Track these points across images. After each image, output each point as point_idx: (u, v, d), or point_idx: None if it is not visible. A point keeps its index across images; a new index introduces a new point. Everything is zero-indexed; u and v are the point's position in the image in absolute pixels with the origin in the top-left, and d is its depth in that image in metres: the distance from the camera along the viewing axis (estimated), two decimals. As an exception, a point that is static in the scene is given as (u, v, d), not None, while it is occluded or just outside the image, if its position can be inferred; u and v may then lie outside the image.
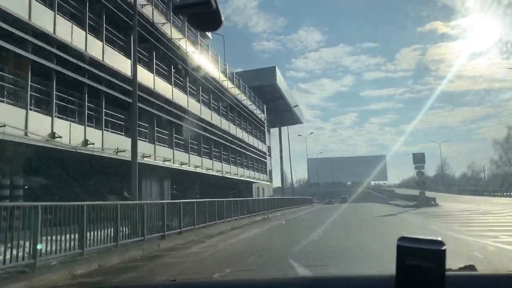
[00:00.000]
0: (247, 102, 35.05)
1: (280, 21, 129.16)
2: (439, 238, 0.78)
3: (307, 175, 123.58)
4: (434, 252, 0.75)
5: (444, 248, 0.76)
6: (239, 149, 32.09)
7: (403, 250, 0.76)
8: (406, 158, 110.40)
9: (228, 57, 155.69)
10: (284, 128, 62.51)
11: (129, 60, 15.87)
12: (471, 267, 1.31)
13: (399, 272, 0.76)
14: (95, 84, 14.74)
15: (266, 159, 43.27)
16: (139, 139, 14.33)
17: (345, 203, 59.42)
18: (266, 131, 43.92)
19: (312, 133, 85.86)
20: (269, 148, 47.54)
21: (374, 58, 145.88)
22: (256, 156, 37.85)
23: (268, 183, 43.17)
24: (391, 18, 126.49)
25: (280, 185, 61.96)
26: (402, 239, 0.77)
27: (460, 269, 1.28)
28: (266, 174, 42.98)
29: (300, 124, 71.66)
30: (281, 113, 54.66)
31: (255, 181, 37.44)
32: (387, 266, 2.50)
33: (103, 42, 15.45)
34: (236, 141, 31.08)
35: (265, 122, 43.25)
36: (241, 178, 32.94)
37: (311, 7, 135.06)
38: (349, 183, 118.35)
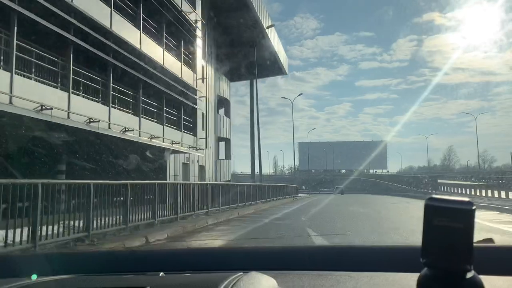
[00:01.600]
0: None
1: (275, 6, 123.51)
2: (468, 199, 0.74)
3: (297, 160, 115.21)
4: (463, 212, 0.72)
5: (473, 208, 0.72)
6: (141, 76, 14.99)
7: (431, 209, 0.73)
8: (400, 149, 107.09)
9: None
10: (270, 81, 49.63)
11: None
12: (490, 240, 1.32)
13: (426, 233, 0.74)
14: None
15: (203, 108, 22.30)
16: None
17: (341, 194, 52.73)
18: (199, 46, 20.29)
19: (301, 94, 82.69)
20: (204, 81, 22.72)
21: (370, 47, 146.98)
22: (179, 98, 18.24)
23: (200, 152, 21.20)
24: (388, 8, 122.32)
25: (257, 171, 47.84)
26: (431, 199, 0.74)
27: (479, 242, 1.22)
28: (204, 137, 22.10)
29: (284, 77, 64.39)
30: (248, 51, 29.64)
31: (173, 147, 17.72)
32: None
33: None
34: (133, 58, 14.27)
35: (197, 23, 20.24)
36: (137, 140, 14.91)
37: None
38: (343, 171, 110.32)
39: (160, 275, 1.11)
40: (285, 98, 58.52)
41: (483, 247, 1.17)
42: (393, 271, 1.08)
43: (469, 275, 0.73)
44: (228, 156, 29.78)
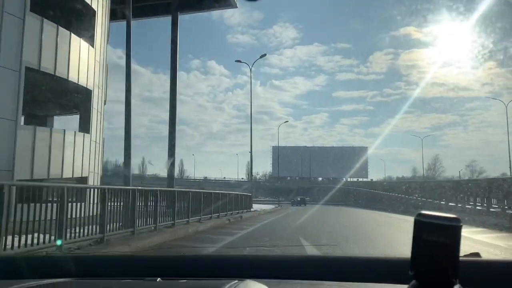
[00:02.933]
0: None
1: (255, 14, 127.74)
2: (455, 216, 0.79)
3: (269, 166, 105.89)
4: (450, 228, 0.76)
5: (460, 224, 0.77)
6: None
7: (420, 225, 0.77)
8: (375, 160, 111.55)
9: (200, 47, 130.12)
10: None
11: None
12: (476, 254, 1.34)
13: (415, 247, 0.78)
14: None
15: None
16: None
17: (303, 205, 48.68)
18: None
19: (264, 55, 48.00)
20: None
21: (348, 59, 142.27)
22: None
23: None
24: (366, 20, 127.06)
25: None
26: (420, 214, 0.78)
27: (465, 256, 1.27)
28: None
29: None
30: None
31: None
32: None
33: None
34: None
35: None
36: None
37: (287, 3, 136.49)
38: (320, 179, 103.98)
39: (158, 280, 1.15)
40: (240, 61, 46.79)
41: (470, 261, 1.21)
42: (383, 282, 1.10)
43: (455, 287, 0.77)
44: (85, 128, 14.62)
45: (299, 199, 56.91)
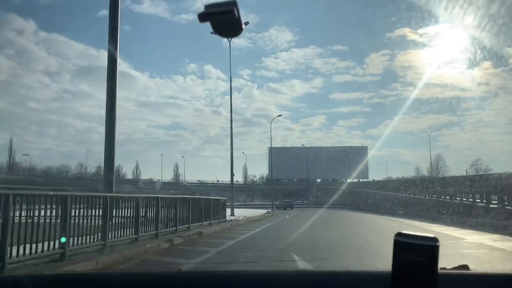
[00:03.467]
0: None
1: (251, 17, 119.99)
2: (433, 236, 0.82)
3: (265, 169, 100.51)
4: (428, 248, 0.80)
5: (437, 244, 0.81)
6: None
7: (400, 244, 0.81)
8: (374, 162, 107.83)
9: (197, 52, 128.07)
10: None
11: None
12: (464, 267, 1.36)
13: (395, 265, 0.81)
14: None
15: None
16: None
17: (290, 208, 50.13)
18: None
19: (247, 23, 51.07)
20: None
21: (344, 61, 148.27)
22: None
23: None
24: (362, 22, 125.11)
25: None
26: (399, 234, 0.82)
27: (454, 268, 1.31)
28: None
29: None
30: None
31: None
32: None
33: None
34: None
35: None
36: None
37: (282, 6, 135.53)
38: (319, 180, 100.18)
39: None
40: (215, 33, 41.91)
41: (457, 274, 1.24)
42: None
43: None
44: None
45: (286, 201, 57.44)
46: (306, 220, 21.76)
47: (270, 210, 37.82)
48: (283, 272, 1.68)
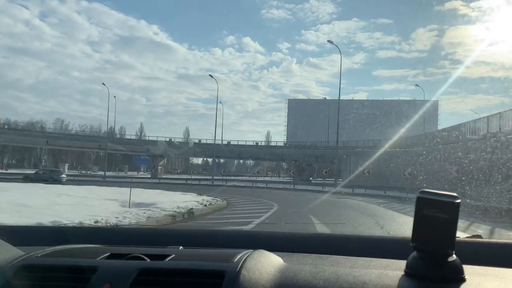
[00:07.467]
0: None
1: None
2: (455, 194, 0.84)
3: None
4: (449, 204, 0.82)
5: (458, 201, 0.82)
6: None
7: (422, 201, 0.83)
8: None
9: (235, 23, 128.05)
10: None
11: None
12: (478, 236, 1.41)
13: (416, 222, 0.84)
14: None
15: None
16: None
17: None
18: None
19: None
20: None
21: (389, 36, 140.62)
22: None
23: None
24: None
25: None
26: (422, 192, 0.84)
27: (468, 237, 1.37)
28: None
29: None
30: None
31: None
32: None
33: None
34: None
35: None
36: None
37: None
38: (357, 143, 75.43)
39: (180, 248, 1.24)
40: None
41: (471, 241, 1.29)
42: (385, 257, 1.14)
43: (451, 258, 0.83)
44: None
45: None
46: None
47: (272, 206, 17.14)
48: (312, 234, 1.69)
